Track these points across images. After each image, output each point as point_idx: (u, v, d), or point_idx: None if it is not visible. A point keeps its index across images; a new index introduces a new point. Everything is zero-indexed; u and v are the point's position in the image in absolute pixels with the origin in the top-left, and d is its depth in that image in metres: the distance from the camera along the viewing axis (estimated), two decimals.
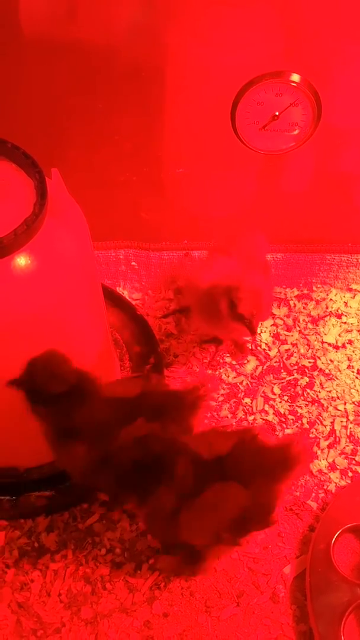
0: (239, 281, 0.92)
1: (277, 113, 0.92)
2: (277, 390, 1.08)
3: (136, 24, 0.88)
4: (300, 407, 1.06)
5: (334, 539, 0.88)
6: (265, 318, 1.09)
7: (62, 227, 0.74)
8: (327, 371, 1.11)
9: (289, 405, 1.06)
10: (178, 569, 0.88)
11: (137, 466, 0.75)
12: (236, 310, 0.91)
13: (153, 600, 0.87)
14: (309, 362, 1.12)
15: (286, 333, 1.16)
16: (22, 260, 0.70)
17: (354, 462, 1.00)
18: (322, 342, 1.15)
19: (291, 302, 1.20)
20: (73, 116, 0.97)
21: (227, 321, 0.94)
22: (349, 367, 1.12)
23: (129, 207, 1.09)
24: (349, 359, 1.13)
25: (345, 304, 1.20)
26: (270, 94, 0.90)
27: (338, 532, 0.88)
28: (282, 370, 1.11)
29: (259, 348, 1.13)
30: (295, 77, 0.89)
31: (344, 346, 1.14)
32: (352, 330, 1.16)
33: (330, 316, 1.18)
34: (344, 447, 1.02)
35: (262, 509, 0.77)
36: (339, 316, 1.18)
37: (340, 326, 1.17)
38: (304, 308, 1.19)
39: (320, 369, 1.11)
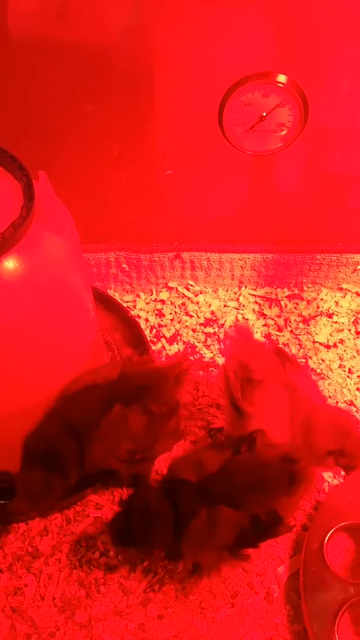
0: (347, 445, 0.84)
1: (264, 114, 0.92)
2: None
3: (125, 26, 0.88)
4: None
5: (327, 538, 0.88)
6: None
7: (50, 230, 0.74)
8: (318, 371, 1.11)
9: None
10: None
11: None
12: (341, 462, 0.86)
13: (147, 602, 0.87)
14: (301, 362, 1.12)
15: (277, 333, 1.16)
16: (9, 264, 0.70)
17: None
18: (314, 342, 1.15)
19: (282, 302, 1.20)
20: (61, 119, 0.97)
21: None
22: (340, 366, 1.12)
23: (118, 210, 1.09)
24: (341, 358, 1.13)
25: (336, 303, 1.20)
26: (257, 95, 0.90)
27: (331, 531, 0.88)
28: None
29: None
30: (282, 78, 0.90)
31: (335, 345, 1.15)
32: (343, 330, 1.17)
33: (321, 316, 1.18)
34: None
35: (267, 523, 0.77)
36: (329, 316, 1.19)
37: (332, 326, 1.17)
38: (295, 308, 1.20)
39: (312, 368, 1.11)
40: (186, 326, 1.16)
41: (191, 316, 1.18)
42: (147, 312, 1.18)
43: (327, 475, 0.98)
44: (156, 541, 0.79)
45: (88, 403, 0.81)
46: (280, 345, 1.12)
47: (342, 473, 0.98)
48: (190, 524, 0.76)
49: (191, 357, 1.12)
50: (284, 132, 0.95)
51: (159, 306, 1.19)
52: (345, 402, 1.08)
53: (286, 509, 0.78)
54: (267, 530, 0.77)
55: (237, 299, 1.21)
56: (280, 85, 0.90)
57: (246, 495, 0.76)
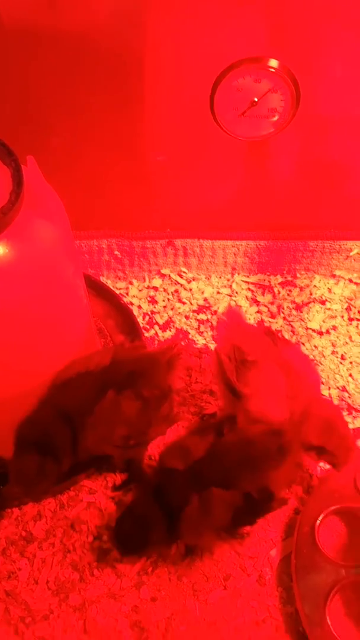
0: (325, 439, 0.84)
1: (255, 99, 0.92)
2: None
3: (115, 11, 0.87)
4: None
5: (318, 521, 0.88)
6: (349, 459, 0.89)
7: (40, 215, 0.73)
8: (311, 357, 1.12)
9: None
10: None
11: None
12: (323, 458, 0.86)
13: (141, 585, 0.87)
14: None
15: (270, 320, 1.16)
16: None
17: None
18: (307, 329, 1.15)
19: (275, 289, 1.20)
20: (52, 105, 0.97)
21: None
22: (333, 352, 1.13)
23: (110, 196, 1.09)
24: (333, 345, 1.14)
25: (329, 290, 1.21)
26: (249, 79, 0.90)
27: (322, 515, 0.89)
28: None
29: None
30: (274, 63, 0.89)
31: (328, 332, 1.15)
32: (335, 316, 1.17)
33: (314, 302, 1.19)
34: None
35: (259, 500, 0.78)
36: (322, 302, 1.19)
37: (324, 312, 1.18)
38: (288, 295, 1.20)
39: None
40: (179, 313, 1.17)
41: (184, 303, 1.18)
42: (140, 299, 1.18)
43: None
44: (153, 542, 0.82)
45: (80, 390, 0.81)
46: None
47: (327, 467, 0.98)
48: (183, 512, 0.76)
49: (183, 342, 1.12)
50: (275, 118, 0.95)
51: (151, 293, 1.19)
52: (337, 387, 1.08)
53: (277, 483, 0.79)
54: (260, 506, 0.78)
55: (230, 286, 1.21)
56: (272, 70, 0.89)
57: (236, 474, 0.77)
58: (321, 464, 0.98)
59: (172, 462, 0.79)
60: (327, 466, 0.98)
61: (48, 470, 0.79)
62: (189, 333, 1.14)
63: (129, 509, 0.82)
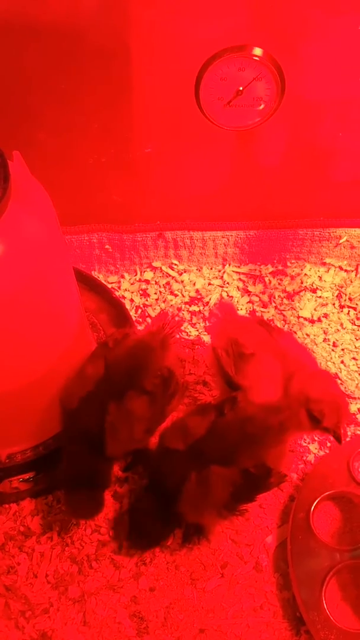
0: (312, 390, 0.84)
1: (241, 88, 0.92)
2: None
3: (100, 2, 0.87)
4: None
5: (313, 507, 0.89)
6: (349, 422, 0.92)
7: (27, 210, 0.73)
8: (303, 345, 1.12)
9: None
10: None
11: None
12: (320, 424, 0.84)
13: (139, 576, 0.88)
14: None
15: (262, 309, 1.17)
16: None
17: None
18: (298, 317, 1.16)
19: (266, 279, 1.21)
20: (38, 99, 0.96)
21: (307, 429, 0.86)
22: (324, 340, 1.13)
23: (99, 190, 1.09)
24: (325, 332, 1.14)
25: (320, 278, 1.21)
26: (233, 68, 0.90)
27: (317, 500, 0.90)
28: None
29: None
30: (258, 51, 0.89)
31: (319, 320, 1.16)
32: (327, 304, 1.18)
33: (305, 291, 1.19)
34: None
35: (257, 476, 0.79)
36: (313, 291, 1.19)
37: (316, 300, 1.18)
38: (279, 284, 1.20)
39: None
40: (171, 305, 1.17)
41: (176, 295, 1.18)
42: (132, 292, 1.18)
43: (314, 447, 1.00)
44: (152, 535, 0.85)
45: (91, 416, 0.83)
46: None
47: (328, 445, 1.00)
48: (183, 490, 0.77)
49: (172, 317, 1.10)
50: (261, 107, 0.95)
51: (143, 286, 1.19)
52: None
53: (276, 460, 0.79)
54: (259, 482, 0.79)
55: (222, 277, 1.21)
56: (256, 58, 0.89)
57: (236, 451, 0.77)
58: (315, 449, 0.99)
59: (174, 443, 0.80)
60: (322, 453, 0.99)
61: (98, 498, 0.86)
62: (182, 325, 1.14)
63: (131, 509, 0.86)
